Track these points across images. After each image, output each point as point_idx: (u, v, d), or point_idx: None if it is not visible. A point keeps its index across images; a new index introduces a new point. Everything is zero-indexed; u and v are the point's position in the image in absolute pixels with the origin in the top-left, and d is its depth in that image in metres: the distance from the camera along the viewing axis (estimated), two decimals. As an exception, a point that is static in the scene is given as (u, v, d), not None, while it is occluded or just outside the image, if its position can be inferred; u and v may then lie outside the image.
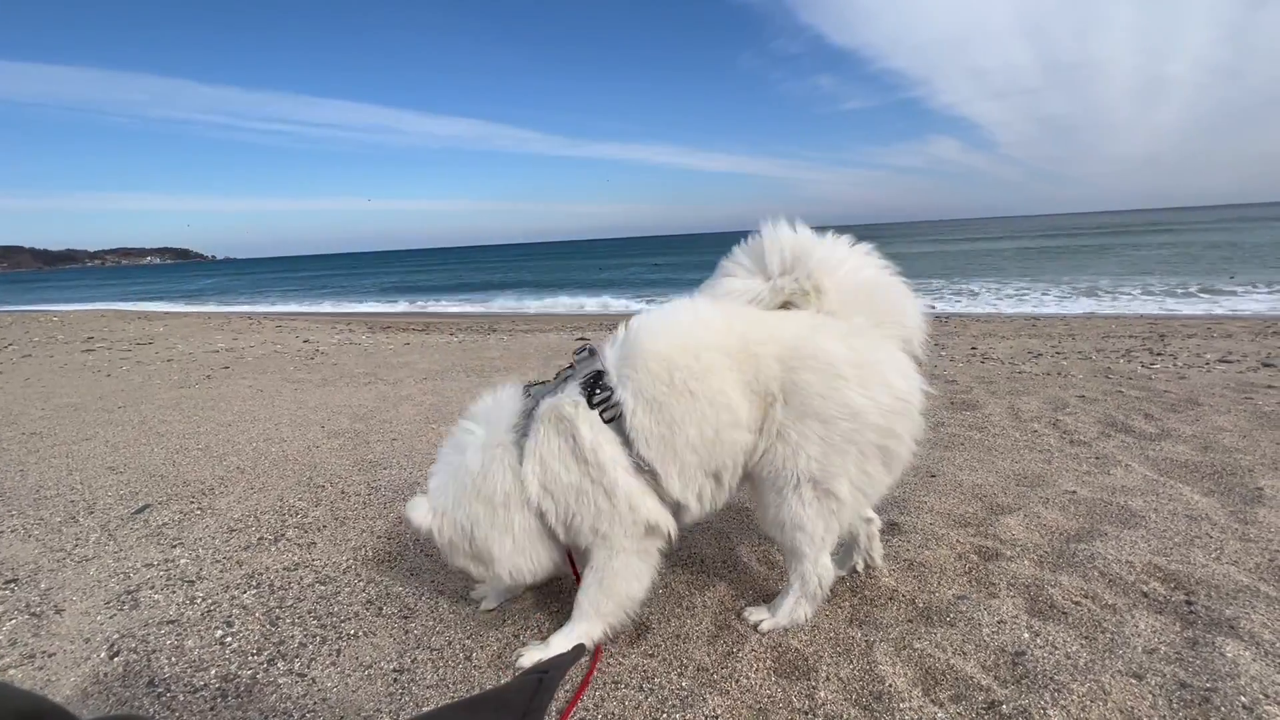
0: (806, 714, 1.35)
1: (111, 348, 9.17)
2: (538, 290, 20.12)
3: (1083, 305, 12.03)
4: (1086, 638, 1.56)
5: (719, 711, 1.37)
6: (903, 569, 1.96)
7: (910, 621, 1.68)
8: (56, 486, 3.05)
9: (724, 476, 1.54)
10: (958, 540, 2.12)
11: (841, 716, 1.33)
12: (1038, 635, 1.57)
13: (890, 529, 2.24)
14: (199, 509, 2.70)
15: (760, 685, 1.45)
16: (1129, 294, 13.05)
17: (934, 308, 12.64)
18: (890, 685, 1.41)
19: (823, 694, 1.40)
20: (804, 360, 1.46)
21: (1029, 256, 25.54)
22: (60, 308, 22.91)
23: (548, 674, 0.61)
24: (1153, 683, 1.37)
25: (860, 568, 1.92)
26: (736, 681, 1.46)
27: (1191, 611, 1.66)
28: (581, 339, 8.42)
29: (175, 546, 2.33)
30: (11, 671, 1.62)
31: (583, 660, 1.53)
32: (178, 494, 2.87)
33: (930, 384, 4.73)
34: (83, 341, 10.06)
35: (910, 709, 1.34)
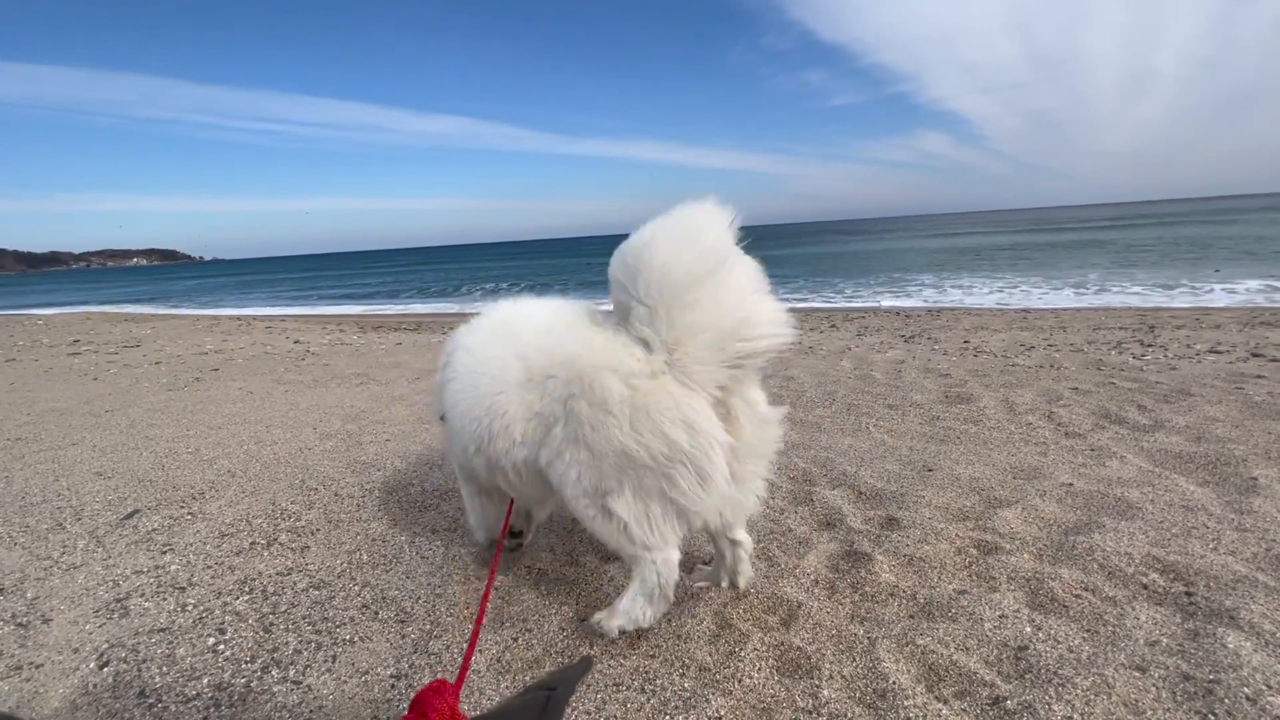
0: (810, 713, 1.33)
1: (98, 351, 9.05)
2: (532, 287, 20.09)
3: (1072, 298, 12.13)
4: (1089, 631, 1.56)
5: (722, 712, 1.35)
6: (903, 564, 1.95)
7: (912, 617, 1.68)
8: (43, 493, 3.00)
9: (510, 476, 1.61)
10: (957, 534, 2.12)
11: (846, 715, 1.32)
12: (1040, 629, 1.57)
13: (888, 524, 2.23)
14: (189, 514, 2.65)
15: (763, 684, 1.44)
16: (1118, 286, 13.15)
17: (925, 301, 12.71)
18: (894, 682, 1.40)
19: (826, 693, 1.39)
20: (583, 391, 1.40)
21: (1019, 249, 25.71)
22: (45, 311, 22.59)
23: (555, 691, 0.58)
24: (1156, 675, 1.37)
25: (726, 586, 1.82)
26: (739, 681, 1.45)
27: (1191, 602, 1.66)
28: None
29: (165, 552, 2.29)
30: (-2, 684, 1.58)
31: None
32: (167, 499, 2.83)
33: (925, 377, 4.68)
34: (68, 345, 9.92)
35: (915, 706, 1.33)
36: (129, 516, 2.65)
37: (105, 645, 1.72)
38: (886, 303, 13.02)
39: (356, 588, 1.99)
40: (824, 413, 3.83)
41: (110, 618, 1.86)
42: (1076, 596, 1.72)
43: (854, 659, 1.50)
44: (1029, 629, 1.57)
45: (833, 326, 9.32)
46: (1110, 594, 1.72)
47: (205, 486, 2.97)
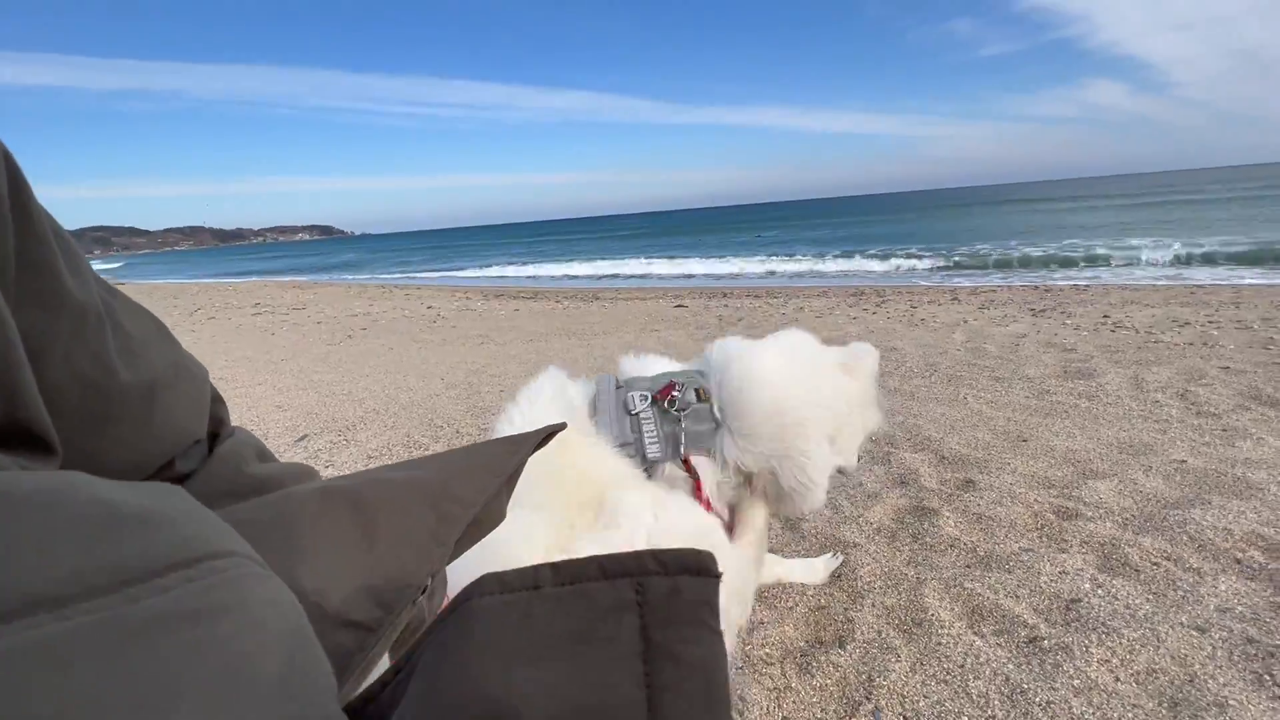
0: (845, 624, 1.47)
1: (274, 312, 10.61)
2: (642, 257, 20.49)
3: (1260, 273, 10.37)
4: (1155, 594, 1.54)
5: (766, 621, 1.52)
6: (970, 521, 1.98)
7: (967, 566, 1.73)
8: (240, 420, 3.70)
9: None
10: (1036, 500, 2.09)
11: (879, 635, 1.44)
12: (1100, 587, 1.57)
13: (964, 485, 2.24)
14: (344, 440, 3.21)
15: (806, 605, 1.59)
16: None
17: (1055, 277, 11.44)
18: (933, 615, 1.49)
19: (866, 616, 1.51)
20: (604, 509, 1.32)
21: (1201, 213, 22.11)
22: (234, 280, 26.56)
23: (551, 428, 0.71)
24: (1216, 636, 1.35)
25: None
26: (783, 600, 1.61)
27: (1289, 580, 1.57)
28: (679, 306, 8.59)
29: (328, 468, 2.82)
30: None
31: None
32: (328, 428, 3.42)
33: (1044, 352, 4.42)
34: (252, 307, 11.70)
35: (949, 636, 1.42)
36: (301, 439, 3.25)
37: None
38: (1018, 277, 11.90)
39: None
40: (921, 383, 3.75)
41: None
42: (1154, 564, 1.68)
43: (899, 593, 1.60)
44: (1088, 585, 1.58)
45: (954, 299, 8.74)
46: (1194, 565, 1.66)
47: (356, 420, 3.54)
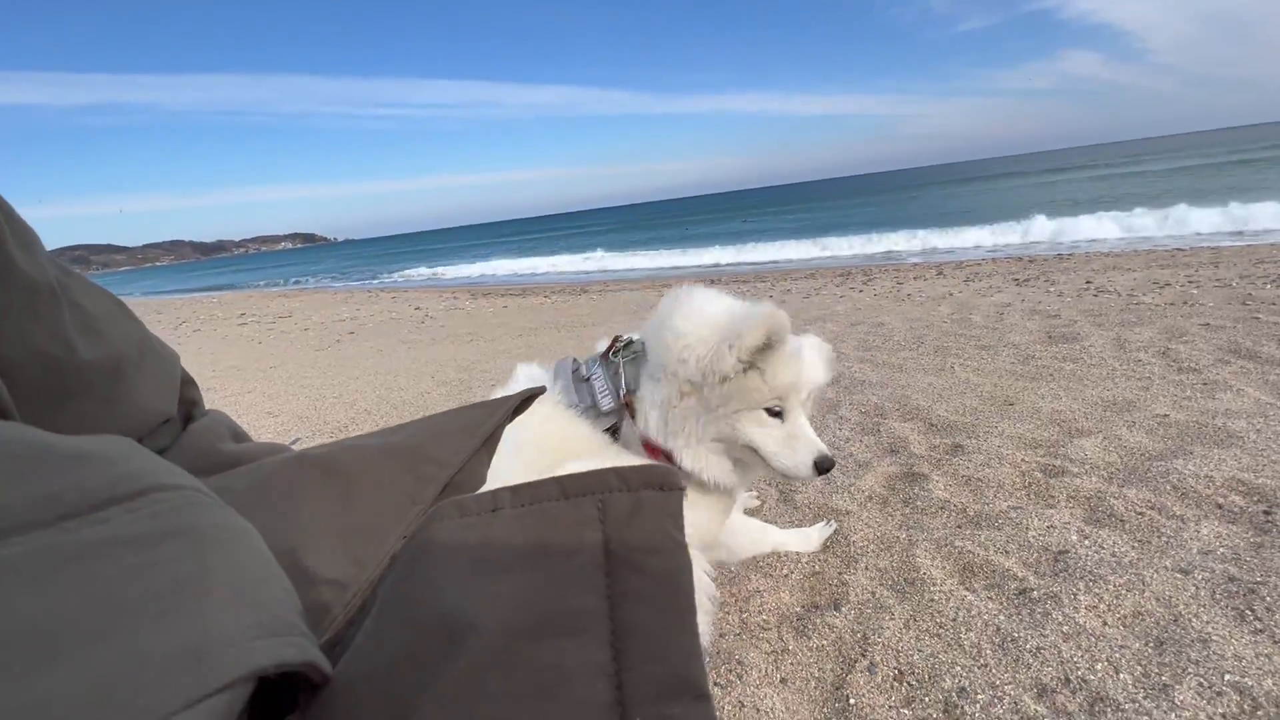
0: (840, 587, 1.49)
1: (260, 321, 10.52)
2: (625, 250, 20.45)
3: (1236, 231, 10.49)
4: (1140, 541, 1.57)
5: (763, 589, 1.55)
6: (959, 484, 2.01)
7: (959, 526, 1.76)
8: (230, 427, 3.71)
9: None
10: (1023, 460, 2.13)
11: (873, 595, 1.47)
12: (1087, 538, 1.61)
13: (953, 450, 2.27)
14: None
15: (800, 571, 1.61)
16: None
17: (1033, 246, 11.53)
18: (925, 574, 1.52)
19: (860, 579, 1.54)
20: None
21: (1178, 179, 22.32)
22: (218, 293, 26.28)
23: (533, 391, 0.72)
24: (1199, 578, 1.39)
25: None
26: (778, 568, 1.63)
27: (1269, 521, 1.61)
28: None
29: (321, 468, 2.82)
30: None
31: None
32: (320, 430, 3.41)
33: (1029, 319, 4.46)
34: (237, 317, 11.59)
35: (941, 592, 1.44)
36: (294, 443, 3.24)
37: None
38: (1002, 243, 11.98)
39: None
40: (909, 355, 3.78)
41: (285, 511, 2.37)
42: (1138, 513, 1.71)
43: (892, 555, 1.63)
44: (1075, 537, 1.61)
45: (939, 274, 8.80)
46: (1177, 512, 1.70)
47: (348, 421, 3.54)
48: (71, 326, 0.45)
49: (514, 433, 1.28)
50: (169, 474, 0.31)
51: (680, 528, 0.32)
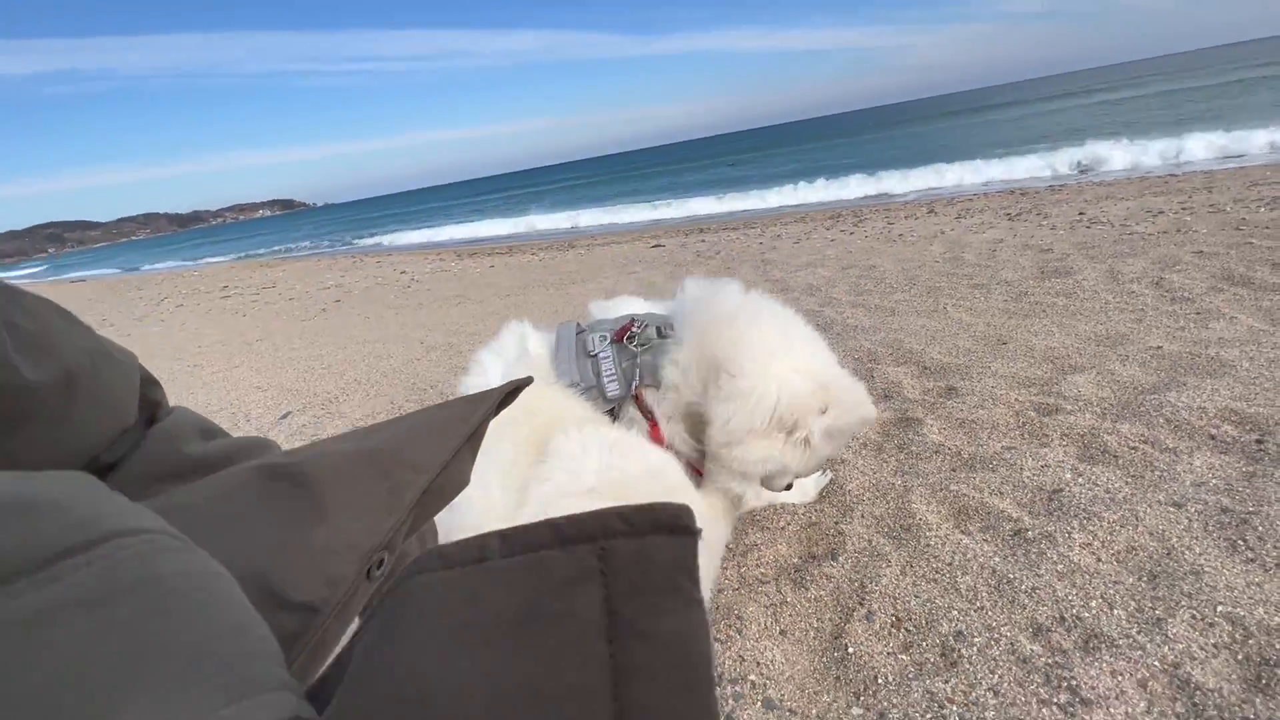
0: (836, 537, 1.50)
1: (243, 293, 10.33)
2: (612, 202, 20.03)
3: (1232, 150, 10.32)
4: (1133, 476, 1.58)
5: (760, 542, 1.55)
6: (953, 427, 2.01)
7: (953, 470, 1.76)
8: (220, 404, 3.67)
9: None
10: (1016, 399, 2.12)
11: (869, 543, 1.47)
12: (1080, 475, 1.61)
13: (946, 393, 2.27)
14: (329, 413, 3.17)
15: (796, 522, 1.62)
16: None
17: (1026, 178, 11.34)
18: (920, 519, 1.52)
19: (856, 527, 1.54)
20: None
21: (1176, 102, 21.81)
22: (197, 264, 25.79)
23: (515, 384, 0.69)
24: (1192, 510, 1.40)
25: None
26: (774, 521, 1.64)
27: (1260, 449, 1.61)
28: (656, 246, 8.46)
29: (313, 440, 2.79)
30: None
31: None
32: (311, 403, 3.38)
33: (1021, 254, 4.40)
34: (220, 290, 11.38)
35: (936, 537, 1.45)
36: (284, 417, 3.22)
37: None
38: (994, 177, 11.78)
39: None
40: (901, 297, 3.74)
41: (280, 487, 2.36)
42: (1131, 448, 1.72)
43: (887, 502, 1.63)
44: (1069, 475, 1.62)
45: (930, 212, 8.67)
46: (1170, 445, 1.70)
47: (338, 392, 3.50)
48: (12, 348, 0.42)
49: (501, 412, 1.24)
50: (130, 516, 0.28)
51: (695, 580, 0.28)
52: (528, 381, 0.69)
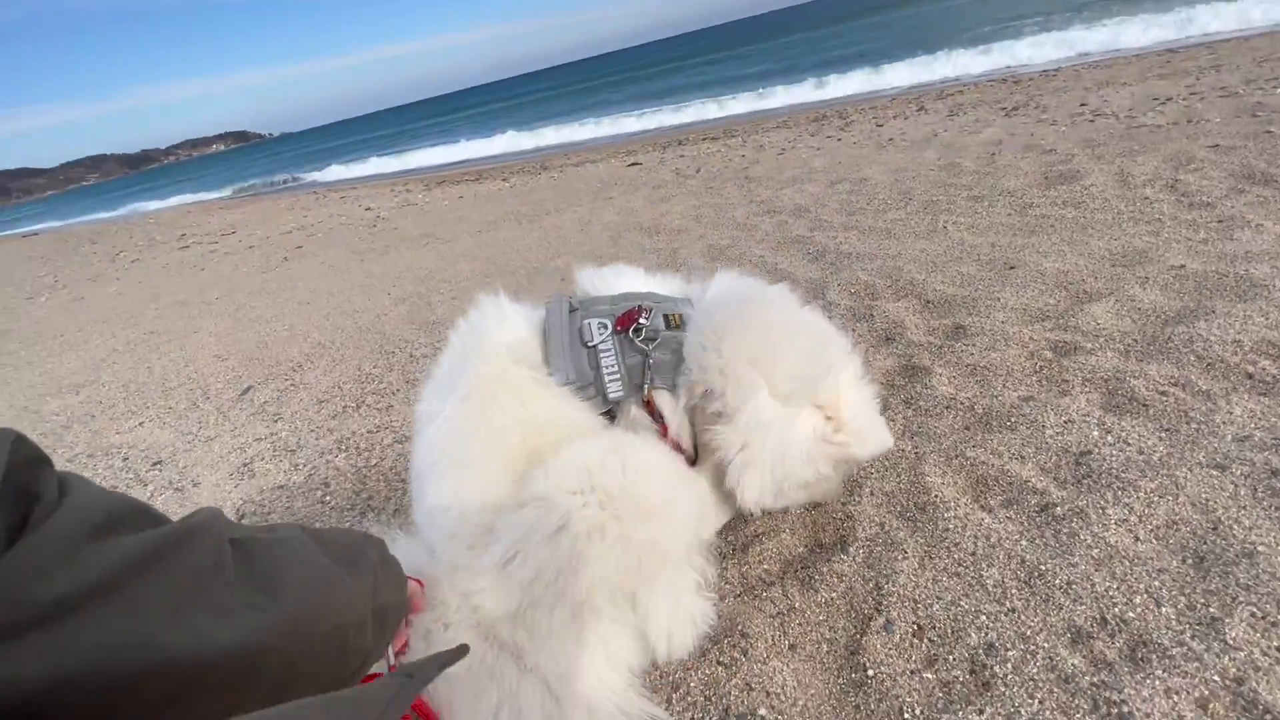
0: (845, 521, 1.37)
1: (201, 242, 9.76)
2: (582, 115, 18.86)
3: (1236, 18, 9.66)
4: (1167, 430, 1.44)
5: (761, 530, 1.42)
6: (964, 375, 1.85)
7: (967, 429, 1.61)
8: (178, 377, 3.44)
9: None
10: (1031, 337, 1.95)
11: (882, 528, 1.34)
12: (1109, 432, 1.47)
13: (954, 333, 2.09)
14: (292, 385, 2.96)
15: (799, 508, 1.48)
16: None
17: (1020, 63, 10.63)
18: (936, 495, 1.39)
19: (865, 509, 1.41)
20: None
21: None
22: (152, 205, 24.49)
23: (413, 679, 0.60)
24: (1237, 473, 1.26)
25: None
26: (779, 502, 1.50)
27: (1305, 390, 1.47)
28: (633, 164, 7.96)
29: (277, 421, 2.60)
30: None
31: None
32: (273, 374, 3.16)
33: (1023, 157, 4.09)
34: (177, 240, 10.75)
35: (955, 517, 1.32)
36: (245, 392, 3.00)
37: (241, 502, 2.05)
38: (987, 67, 11.07)
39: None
40: (896, 215, 3.49)
41: (242, 479, 2.19)
42: (1161, 393, 1.57)
43: (898, 475, 1.49)
44: (1096, 433, 1.47)
45: (920, 109, 8.15)
46: (1204, 388, 1.55)
47: (302, 359, 3.27)
48: None
49: (491, 413, 1.05)
50: None
51: None
52: (464, 651, 0.72)
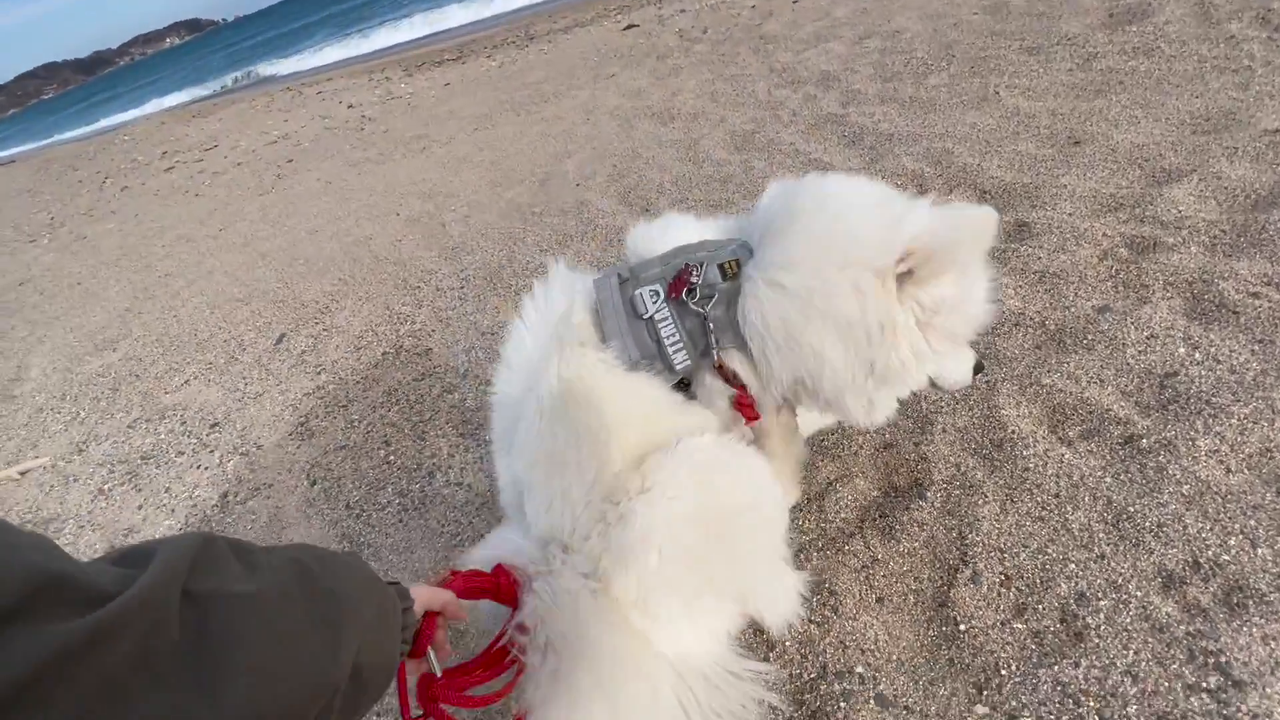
0: (919, 462, 1.37)
1: (186, 161, 9.31)
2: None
3: None
4: (1260, 342, 1.36)
5: (833, 477, 1.43)
6: (1031, 284, 1.75)
7: (1039, 349, 1.55)
8: (208, 327, 3.42)
9: None
10: (1104, 233, 1.81)
11: (958, 468, 1.34)
12: (1196, 348, 1.40)
13: (1017, 232, 1.95)
14: (324, 330, 2.94)
15: (876, 431, 1.47)
16: None
17: None
18: (1013, 430, 1.36)
19: (939, 448, 1.40)
20: None
21: None
22: (122, 117, 23.24)
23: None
24: (1340, 392, 1.21)
25: None
26: (845, 447, 1.49)
27: None
28: (630, 26, 7.20)
29: (320, 373, 2.61)
30: (251, 503, 2.03)
31: None
32: (302, 318, 3.12)
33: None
34: (160, 159, 10.27)
35: (1035, 454, 1.30)
36: (279, 341, 2.99)
37: (309, 465, 2.10)
38: None
39: (483, 388, 2.19)
40: (939, 80, 3.14)
41: (303, 440, 2.24)
42: (1254, 296, 1.47)
43: (970, 409, 1.46)
44: (1182, 350, 1.41)
45: (953, -76, 7.09)
46: (1300, 287, 1.45)
47: (327, 300, 3.22)
48: None
49: (570, 412, 1.03)
50: None
51: None
52: None
